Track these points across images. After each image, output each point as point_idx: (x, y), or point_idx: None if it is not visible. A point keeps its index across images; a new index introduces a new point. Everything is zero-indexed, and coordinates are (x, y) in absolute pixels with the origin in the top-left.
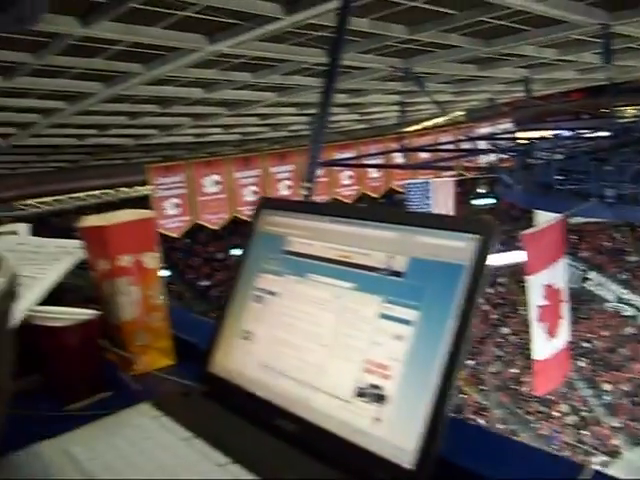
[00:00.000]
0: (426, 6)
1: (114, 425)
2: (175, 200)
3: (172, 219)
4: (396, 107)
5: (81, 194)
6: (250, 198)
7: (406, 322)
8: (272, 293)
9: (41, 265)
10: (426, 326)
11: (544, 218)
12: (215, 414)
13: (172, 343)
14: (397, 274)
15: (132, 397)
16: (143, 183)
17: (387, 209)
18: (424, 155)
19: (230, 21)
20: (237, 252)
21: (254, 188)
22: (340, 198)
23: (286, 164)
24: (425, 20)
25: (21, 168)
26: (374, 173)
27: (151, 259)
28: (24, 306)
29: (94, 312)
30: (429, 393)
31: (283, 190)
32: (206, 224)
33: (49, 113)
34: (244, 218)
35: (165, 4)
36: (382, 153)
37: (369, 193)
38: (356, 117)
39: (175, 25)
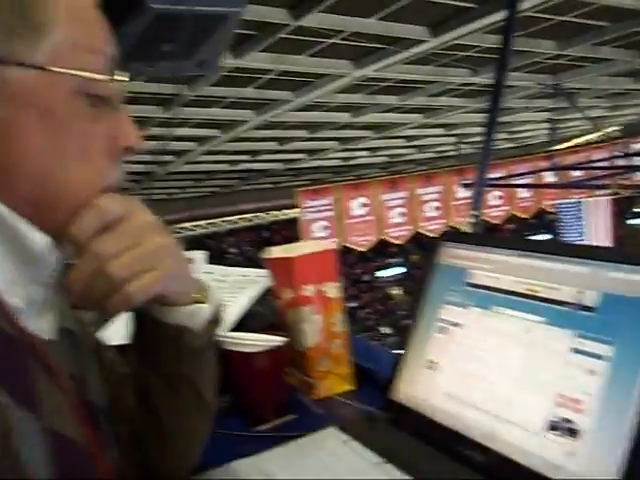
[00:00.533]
0: (575, 20)
1: (306, 447)
2: (323, 223)
3: (320, 241)
4: (546, 124)
5: (233, 217)
6: (397, 220)
7: (599, 357)
8: (456, 324)
9: (230, 293)
10: (621, 361)
11: None
12: (402, 440)
13: (352, 369)
14: (588, 309)
15: (315, 420)
16: (292, 206)
17: (575, 245)
18: (576, 173)
19: (376, 45)
20: (383, 274)
21: (401, 210)
22: (489, 219)
23: (433, 185)
24: (574, 34)
25: (177, 193)
26: (524, 193)
27: (333, 289)
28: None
29: (282, 339)
30: (627, 428)
31: (430, 212)
32: (353, 246)
33: (204, 141)
34: (391, 240)
35: (312, 33)
36: (532, 172)
37: (518, 214)
38: (504, 136)
39: (322, 52)
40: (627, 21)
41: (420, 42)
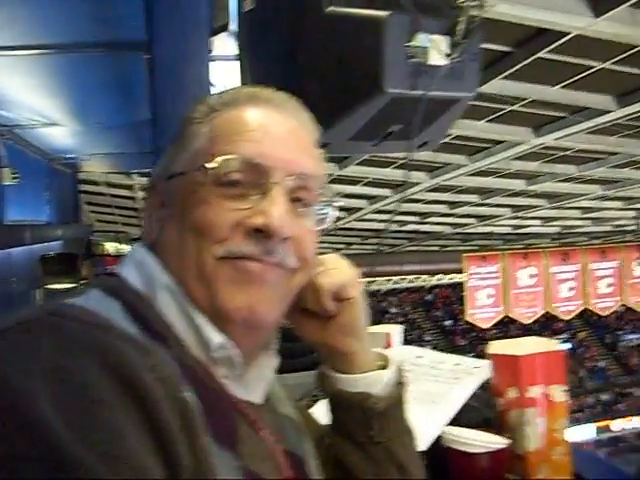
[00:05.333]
0: None
1: None
2: (488, 290)
3: (483, 309)
4: None
5: (395, 277)
6: (566, 294)
7: None
8: None
9: (445, 383)
10: None
11: None
12: None
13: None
14: None
15: None
16: (457, 271)
17: None
18: None
19: (557, 114)
20: None
21: (571, 284)
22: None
23: (608, 260)
24: None
25: (342, 249)
26: None
27: (559, 392)
28: (436, 425)
29: (505, 441)
30: None
31: (603, 289)
32: (517, 317)
33: (375, 199)
34: (557, 315)
35: (491, 99)
36: None
37: None
38: None
39: (500, 119)
40: None
41: (604, 112)
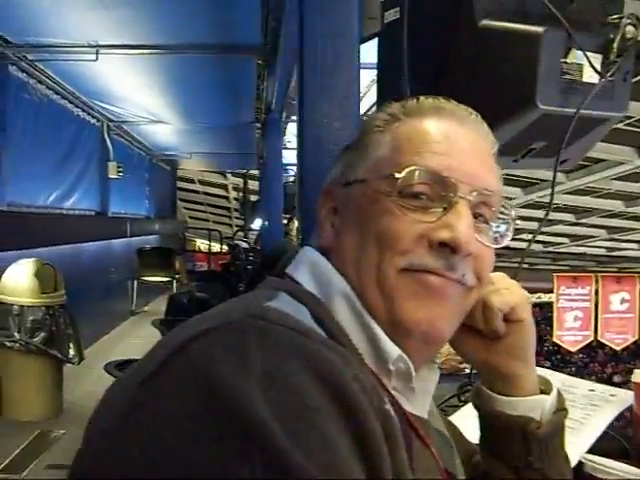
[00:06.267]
0: None
1: None
2: (577, 312)
3: (571, 331)
4: None
5: None
6: None
7: None
8: None
9: (581, 409)
10: None
11: None
12: None
13: None
14: None
15: None
16: (548, 291)
17: None
18: None
19: None
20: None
21: None
22: None
23: None
24: None
25: None
26: None
27: None
28: (576, 451)
29: None
30: None
31: None
32: (607, 343)
33: None
34: None
35: None
36: None
37: None
38: None
39: (604, 137)
40: None
41: None
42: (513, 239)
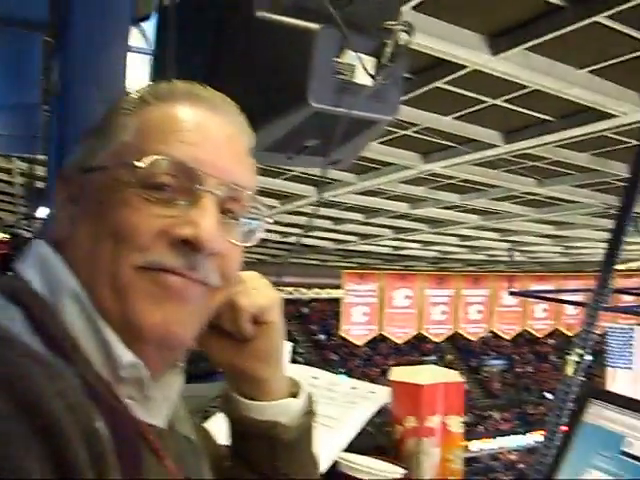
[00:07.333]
0: None
1: None
2: (364, 308)
3: (358, 326)
4: (603, 244)
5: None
6: (438, 317)
7: None
8: None
9: (340, 407)
10: None
11: None
12: None
13: None
14: None
15: None
16: (336, 287)
17: None
18: (627, 298)
19: (447, 143)
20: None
21: (444, 308)
22: (531, 331)
23: (480, 288)
24: None
25: None
26: (571, 309)
27: (456, 422)
28: (332, 450)
29: (401, 470)
30: None
31: (473, 315)
32: (390, 336)
33: None
34: (429, 336)
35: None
36: (583, 290)
37: (564, 330)
38: (560, 250)
39: (393, 142)
40: None
41: (491, 146)
42: (306, 236)
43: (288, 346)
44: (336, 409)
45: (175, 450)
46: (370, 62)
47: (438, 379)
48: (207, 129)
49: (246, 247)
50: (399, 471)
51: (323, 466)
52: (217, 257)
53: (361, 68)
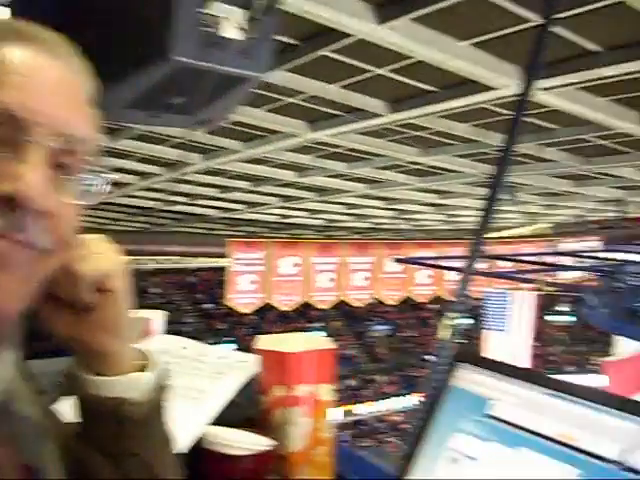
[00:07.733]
0: (527, 119)
1: None
2: (251, 277)
3: (245, 294)
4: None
5: (159, 257)
6: (324, 285)
7: None
8: (471, 458)
9: (208, 378)
10: None
11: (629, 345)
12: None
13: None
14: (635, 471)
15: None
16: (222, 255)
17: (625, 398)
18: (503, 264)
19: (333, 112)
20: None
21: (330, 275)
22: (414, 297)
23: (365, 256)
24: (525, 132)
25: (109, 225)
26: (453, 275)
27: (326, 391)
28: (197, 424)
29: (270, 442)
30: None
31: (358, 282)
32: (276, 304)
33: (145, 177)
34: (315, 304)
35: (272, 89)
36: (463, 257)
37: (445, 296)
38: (442, 218)
39: (279, 109)
40: (576, 127)
41: (376, 115)
42: (191, 204)
43: (161, 314)
44: (202, 380)
45: (8, 433)
46: (240, 14)
47: (306, 347)
48: (37, 71)
49: (130, 215)
50: (267, 443)
51: (186, 442)
52: (48, 217)
53: (229, 21)
